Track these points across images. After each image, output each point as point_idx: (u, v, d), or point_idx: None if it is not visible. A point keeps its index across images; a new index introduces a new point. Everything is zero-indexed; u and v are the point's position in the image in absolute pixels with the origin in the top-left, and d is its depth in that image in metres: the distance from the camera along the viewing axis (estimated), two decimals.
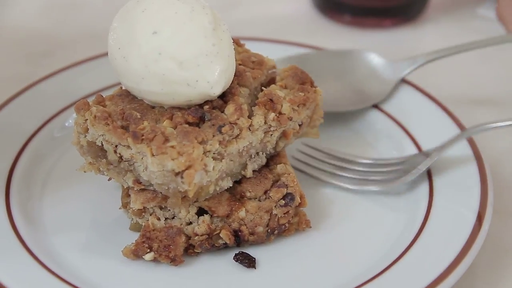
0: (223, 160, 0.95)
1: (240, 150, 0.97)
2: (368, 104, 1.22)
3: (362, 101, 1.23)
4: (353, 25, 1.59)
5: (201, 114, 0.94)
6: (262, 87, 1.03)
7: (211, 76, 0.93)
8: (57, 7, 1.67)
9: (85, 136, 0.97)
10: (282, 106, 0.99)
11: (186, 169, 0.89)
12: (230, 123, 0.94)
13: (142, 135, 0.91)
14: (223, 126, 0.93)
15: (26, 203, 1.06)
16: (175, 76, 0.92)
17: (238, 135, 0.95)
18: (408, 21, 1.60)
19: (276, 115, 0.98)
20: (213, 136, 0.93)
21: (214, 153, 0.93)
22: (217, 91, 0.95)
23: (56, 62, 1.31)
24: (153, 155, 0.90)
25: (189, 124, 0.94)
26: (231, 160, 0.97)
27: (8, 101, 1.18)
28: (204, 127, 0.94)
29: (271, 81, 1.08)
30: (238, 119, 0.95)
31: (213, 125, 0.94)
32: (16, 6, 1.66)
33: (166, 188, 0.93)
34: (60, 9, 1.66)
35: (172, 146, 0.90)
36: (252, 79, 1.03)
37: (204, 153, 0.91)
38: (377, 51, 1.40)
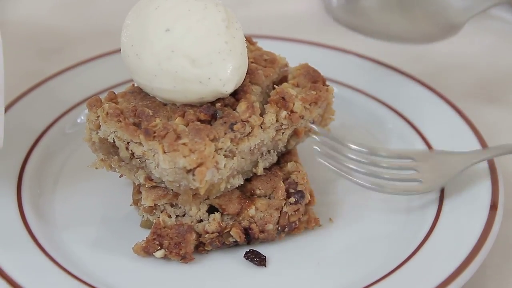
0: (234, 157, 0.95)
1: (252, 148, 0.97)
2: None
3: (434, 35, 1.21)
4: None
5: (213, 111, 0.95)
6: (274, 85, 1.03)
7: (224, 74, 0.94)
8: (68, 4, 1.67)
9: (97, 133, 0.97)
10: (294, 104, 0.99)
11: (198, 166, 0.89)
12: (242, 120, 0.94)
13: (154, 132, 0.92)
14: (235, 124, 0.93)
15: (38, 199, 1.06)
16: (188, 74, 0.93)
17: (249, 133, 0.96)
18: None
19: (288, 113, 0.99)
20: (225, 133, 0.93)
21: (225, 151, 0.93)
22: (229, 88, 0.95)
23: (67, 59, 1.32)
24: (164, 152, 0.90)
25: (201, 121, 0.94)
26: (243, 158, 0.97)
27: (19, 97, 1.19)
28: (216, 125, 0.94)
29: (283, 79, 1.08)
30: (250, 116, 0.95)
31: (225, 122, 0.94)
32: (27, 2, 1.67)
33: (178, 185, 0.93)
34: (72, 5, 1.67)
35: (184, 144, 0.90)
36: (264, 77, 1.03)
37: (216, 150, 0.92)
38: (387, 50, 1.40)
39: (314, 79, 1.06)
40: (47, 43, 1.52)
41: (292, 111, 0.99)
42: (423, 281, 0.90)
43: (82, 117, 1.18)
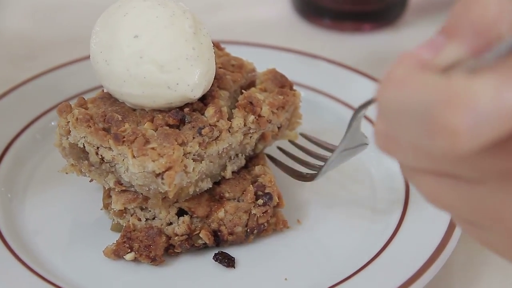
0: (203, 161, 0.96)
1: (220, 152, 0.98)
2: None
3: None
4: (333, 29, 1.60)
5: (181, 116, 0.96)
6: (242, 90, 1.05)
7: (191, 79, 0.95)
8: (40, 10, 1.67)
9: (67, 138, 0.98)
10: (261, 109, 1.00)
11: (166, 170, 0.90)
12: (210, 125, 0.96)
13: (123, 137, 0.92)
14: (203, 128, 0.95)
15: (8, 205, 1.07)
16: (156, 79, 0.94)
17: (217, 137, 0.97)
18: (387, 25, 1.62)
19: (255, 118, 1.00)
20: (193, 138, 0.94)
21: (194, 155, 0.95)
22: (197, 94, 0.96)
23: (39, 65, 1.32)
24: (134, 156, 0.91)
25: (170, 126, 0.95)
26: (211, 162, 0.98)
27: None
28: (184, 129, 0.95)
29: (251, 84, 1.09)
30: (218, 121, 0.96)
31: (193, 127, 0.95)
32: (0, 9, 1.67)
33: (147, 189, 0.94)
34: (43, 12, 1.67)
35: (153, 148, 0.91)
36: (232, 82, 1.05)
37: (184, 154, 0.93)
38: (357, 55, 1.42)
39: (281, 84, 1.07)
40: (18, 50, 1.52)
41: (259, 116, 1.00)
42: (389, 279, 0.92)
43: (53, 123, 1.19)
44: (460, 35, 0.53)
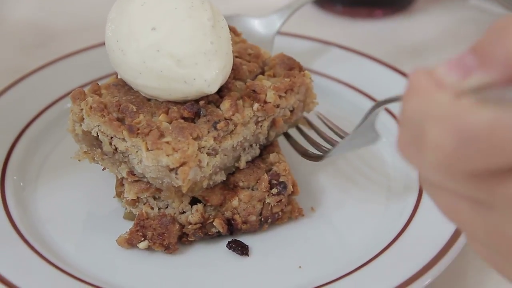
0: (217, 155, 0.95)
1: (235, 145, 0.98)
2: None
3: None
4: (345, 15, 1.59)
5: (196, 109, 0.95)
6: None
7: (209, 75, 0.93)
8: None
9: (80, 125, 0.97)
10: (266, 95, 0.99)
11: (181, 165, 0.90)
12: (225, 118, 0.95)
13: (138, 129, 0.92)
14: (218, 123, 0.94)
15: (21, 193, 1.07)
16: (173, 73, 0.92)
17: (232, 130, 0.96)
18: (399, 11, 1.61)
19: (261, 105, 0.98)
20: (208, 132, 0.93)
21: (208, 149, 0.94)
22: (214, 89, 0.95)
23: (51, 53, 1.32)
24: (148, 149, 0.90)
25: (185, 119, 0.94)
26: (225, 155, 0.98)
27: (3, 92, 1.19)
28: (200, 123, 0.94)
29: (264, 72, 1.08)
30: (233, 115, 0.95)
31: (208, 121, 0.94)
32: None
33: (160, 182, 0.94)
34: (54, 0, 1.67)
35: (167, 142, 0.90)
36: (248, 73, 1.03)
37: (199, 149, 0.92)
38: (369, 41, 1.42)
39: (289, 66, 1.05)
40: (29, 38, 1.52)
41: (265, 102, 0.99)
42: (405, 267, 0.91)
43: (67, 106, 1.18)
44: (491, 64, 0.53)
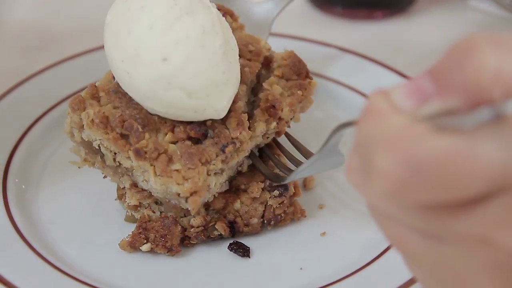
0: (223, 173, 0.95)
1: (240, 161, 0.98)
2: None
3: None
4: (345, 17, 1.59)
5: (204, 130, 0.93)
6: (258, 76, 1.04)
7: (220, 105, 0.91)
8: (52, 1, 1.67)
9: (80, 132, 0.95)
10: (282, 110, 0.98)
11: (191, 194, 0.89)
12: (232, 138, 0.93)
13: (145, 153, 0.90)
14: (227, 146, 0.92)
15: (23, 196, 1.07)
16: (183, 104, 0.89)
17: (239, 147, 0.95)
18: (399, 13, 1.61)
19: (277, 123, 0.98)
20: (216, 155, 0.92)
21: (216, 171, 0.93)
22: (223, 115, 0.93)
23: (51, 56, 1.32)
24: (156, 174, 0.89)
25: (191, 138, 0.92)
26: (230, 169, 0.97)
27: (3, 95, 1.19)
28: (207, 145, 0.92)
29: (265, 62, 1.06)
30: (240, 133, 0.94)
31: (216, 143, 0.92)
32: (11, 0, 1.67)
33: (167, 200, 0.94)
34: (55, 3, 1.67)
35: (177, 170, 0.89)
36: (249, 74, 1.02)
37: (207, 172, 0.91)
38: (368, 42, 1.41)
39: (298, 70, 1.04)
40: (30, 41, 1.52)
41: (280, 118, 0.99)
42: (406, 268, 0.91)
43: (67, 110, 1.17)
44: (449, 91, 0.50)
